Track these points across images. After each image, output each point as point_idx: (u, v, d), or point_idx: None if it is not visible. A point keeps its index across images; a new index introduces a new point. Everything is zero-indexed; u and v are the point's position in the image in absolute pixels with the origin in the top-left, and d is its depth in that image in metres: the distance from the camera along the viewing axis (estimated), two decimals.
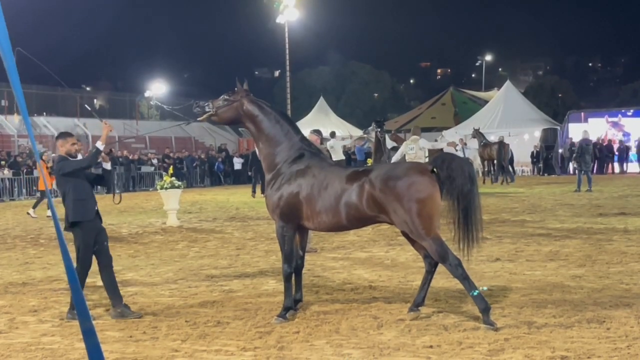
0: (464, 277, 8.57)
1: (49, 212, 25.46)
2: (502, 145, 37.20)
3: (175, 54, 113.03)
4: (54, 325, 9.15)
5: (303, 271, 9.84)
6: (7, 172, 36.01)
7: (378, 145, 21.90)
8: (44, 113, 53.37)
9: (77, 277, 2.94)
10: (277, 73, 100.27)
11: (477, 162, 40.92)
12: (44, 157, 30.17)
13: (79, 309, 2.93)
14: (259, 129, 9.50)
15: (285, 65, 65.67)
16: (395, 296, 10.32)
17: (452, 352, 7.52)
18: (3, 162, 36.61)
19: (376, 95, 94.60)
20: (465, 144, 39.34)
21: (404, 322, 8.79)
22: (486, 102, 59.53)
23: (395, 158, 23.44)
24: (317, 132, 15.47)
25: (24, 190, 36.00)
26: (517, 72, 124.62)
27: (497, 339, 7.92)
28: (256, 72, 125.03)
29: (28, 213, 25.82)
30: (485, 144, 37.67)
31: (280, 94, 74.49)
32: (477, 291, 8.57)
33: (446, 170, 8.63)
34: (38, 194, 27.35)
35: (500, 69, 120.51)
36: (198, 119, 9.88)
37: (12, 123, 47.15)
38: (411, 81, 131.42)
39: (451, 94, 71.30)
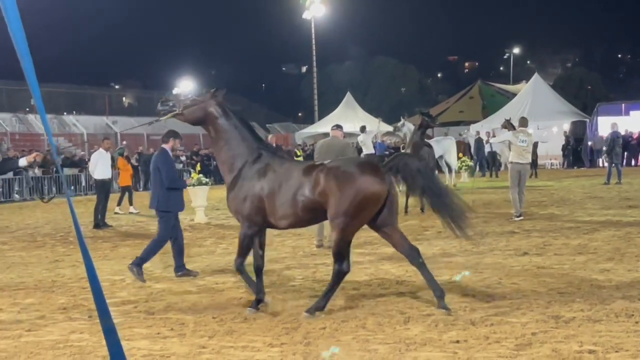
0: (337, 282, 9.15)
1: (131, 209, 25.66)
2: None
3: (202, 51, 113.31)
4: (82, 323, 9.21)
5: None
6: (37, 171, 36.28)
7: (419, 138, 21.23)
8: (74, 112, 53.75)
9: (97, 278, 2.97)
10: (304, 69, 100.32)
11: (505, 155, 40.74)
12: (125, 153, 30.41)
13: (99, 309, 2.95)
14: (219, 133, 9.77)
15: (312, 61, 65.79)
16: (422, 291, 10.28)
17: (478, 347, 7.50)
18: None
19: (403, 89, 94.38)
20: (493, 136, 39.18)
21: (431, 317, 8.77)
22: (514, 95, 59.17)
23: (493, 140, 23.25)
24: (339, 127, 15.50)
25: (54, 189, 36.24)
26: (546, 64, 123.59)
27: (525, 334, 7.89)
28: (283, 68, 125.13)
29: (131, 212, 25.73)
30: None
31: (307, 89, 74.65)
32: (332, 294, 9.23)
33: (397, 171, 9.04)
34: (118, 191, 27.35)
35: (528, 62, 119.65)
36: (162, 117, 10.07)
37: (41, 122, 47.56)
38: (438, 75, 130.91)
39: (479, 87, 70.91)
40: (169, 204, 12.42)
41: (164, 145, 12.69)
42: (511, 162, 18.97)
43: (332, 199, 8.86)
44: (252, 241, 9.59)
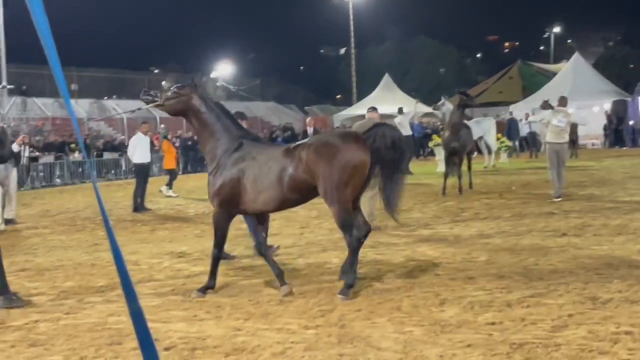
0: (354, 251, 9.22)
1: (170, 192, 25.79)
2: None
3: (241, 35, 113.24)
4: (120, 306, 9.28)
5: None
6: (77, 155, 36.63)
7: (457, 118, 20.95)
8: (114, 96, 54.14)
9: (124, 261, 2.99)
10: (342, 51, 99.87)
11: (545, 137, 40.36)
12: (169, 137, 30.60)
13: (126, 292, 2.97)
14: (202, 124, 9.97)
15: (350, 43, 65.56)
16: (459, 273, 10.25)
17: (514, 329, 7.46)
18: (73, 146, 37.20)
19: (442, 70, 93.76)
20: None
21: (466, 299, 8.74)
22: (555, 74, 58.50)
23: (532, 119, 22.98)
24: (374, 109, 15.60)
25: (94, 173, 36.52)
26: (587, 43, 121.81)
27: (561, 315, 7.83)
28: (321, 50, 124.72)
29: (161, 190, 25.87)
30: None
31: (346, 71, 74.40)
32: (355, 268, 9.38)
33: (374, 141, 9.11)
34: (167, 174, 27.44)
35: (569, 41, 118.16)
36: (144, 106, 10.62)
37: (82, 106, 47.97)
38: (478, 55, 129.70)
39: (519, 67, 70.26)
40: None
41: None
42: (548, 142, 18.77)
43: (320, 174, 8.99)
44: (226, 228, 9.80)
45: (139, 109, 11.23)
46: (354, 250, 9.23)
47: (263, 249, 9.91)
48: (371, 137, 9.18)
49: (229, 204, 9.58)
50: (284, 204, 9.62)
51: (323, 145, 9.09)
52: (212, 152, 9.82)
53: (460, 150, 20.64)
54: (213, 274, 9.85)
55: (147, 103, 10.30)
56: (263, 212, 9.90)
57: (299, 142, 9.66)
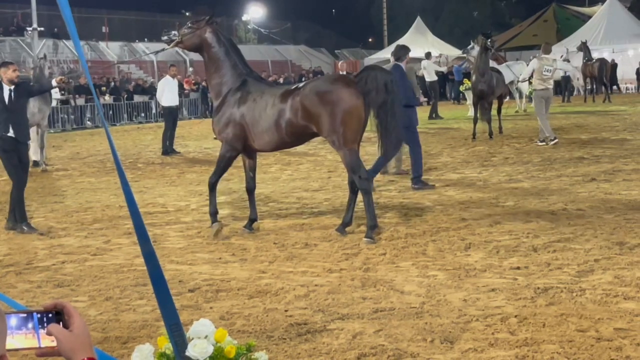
0: (366, 192, 9.26)
1: None
2: (603, 62, 36.19)
3: None
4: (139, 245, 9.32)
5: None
6: (108, 98, 36.69)
7: (481, 61, 20.65)
8: (145, 39, 54.02)
9: (135, 202, 2.97)
10: None
11: (578, 81, 39.88)
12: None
13: (138, 233, 2.96)
14: (212, 58, 10.14)
15: None
16: (485, 218, 10.19)
17: (539, 274, 7.42)
18: (104, 89, 37.24)
19: (475, 13, 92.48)
20: (568, 60, 38.34)
21: (492, 244, 8.70)
22: (589, 17, 57.50)
23: (523, 76, 22.81)
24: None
25: (125, 116, 36.64)
26: None
27: (587, 260, 7.78)
28: None
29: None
30: (587, 61, 36.65)
31: (377, 14, 73.60)
32: (373, 207, 9.37)
33: (365, 83, 9.17)
34: None
35: None
36: (167, 47, 10.79)
37: (112, 49, 47.97)
38: None
39: (554, 10, 69.07)
40: (411, 119, 12.86)
41: (398, 62, 13.18)
42: (535, 89, 18.81)
43: (320, 120, 9.14)
44: (229, 163, 10.04)
45: (162, 49, 11.35)
46: (365, 191, 9.25)
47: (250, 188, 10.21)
48: (362, 79, 9.23)
49: (233, 141, 9.76)
50: (283, 146, 10.06)
51: (319, 92, 9.18)
52: (217, 87, 10.04)
53: (489, 94, 20.35)
54: (211, 201, 10.07)
55: (168, 44, 10.44)
56: (264, 151, 10.30)
57: (295, 87, 9.79)
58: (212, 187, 10.05)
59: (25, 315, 1.96)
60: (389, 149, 9.62)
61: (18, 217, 10.68)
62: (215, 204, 10.06)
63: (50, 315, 1.98)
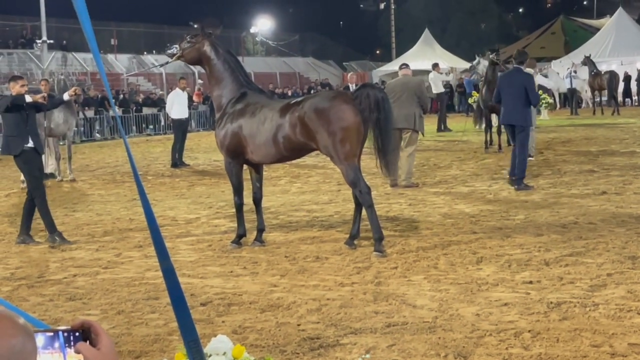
0: (369, 205, 9.26)
1: None
2: (613, 75, 36.17)
3: None
4: (157, 261, 9.34)
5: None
6: (118, 110, 36.75)
7: (491, 75, 20.63)
8: (153, 51, 54.15)
9: (155, 218, 2.97)
10: (382, 5, 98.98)
11: (586, 93, 39.84)
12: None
13: (158, 249, 2.96)
14: (212, 71, 10.26)
15: None
16: (496, 231, 10.19)
17: (552, 288, 7.41)
18: (114, 101, 37.33)
19: (483, 25, 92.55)
20: (575, 72, 38.32)
21: (504, 258, 8.68)
22: (598, 30, 57.49)
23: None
24: (407, 65, 15.80)
25: (133, 128, 36.71)
26: None
27: (600, 274, 7.76)
28: (361, 5, 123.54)
29: None
30: (595, 74, 36.61)
31: (385, 26, 73.73)
32: (377, 220, 9.33)
33: (360, 103, 9.25)
34: None
35: None
36: (170, 60, 10.85)
37: (121, 62, 48.09)
38: (519, 10, 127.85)
39: (561, 22, 69.15)
40: (527, 120, 13.89)
41: (519, 66, 14.12)
42: None
43: (318, 137, 9.20)
44: (239, 176, 10.11)
45: (166, 62, 11.48)
46: (367, 205, 9.27)
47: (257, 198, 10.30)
48: (357, 98, 9.32)
49: (234, 153, 9.87)
50: (281, 160, 10.25)
51: (318, 109, 9.22)
52: (218, 99, 10.16)
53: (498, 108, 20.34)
54: (240, 221, 10.10)
55: (171, 57, 10.55)
56: (263, 164, 10.36)
57: (294, 101, 9.82)
58: (239, 207, 10.12)
59: (51, 334, 1.97)
60: (384, 169, 9.76)
61: (48, 228, 10.76)
62: (244, 226, 10.15)
63: (77, 334, 1.98)
